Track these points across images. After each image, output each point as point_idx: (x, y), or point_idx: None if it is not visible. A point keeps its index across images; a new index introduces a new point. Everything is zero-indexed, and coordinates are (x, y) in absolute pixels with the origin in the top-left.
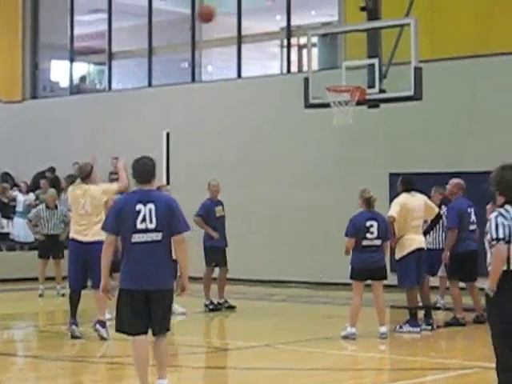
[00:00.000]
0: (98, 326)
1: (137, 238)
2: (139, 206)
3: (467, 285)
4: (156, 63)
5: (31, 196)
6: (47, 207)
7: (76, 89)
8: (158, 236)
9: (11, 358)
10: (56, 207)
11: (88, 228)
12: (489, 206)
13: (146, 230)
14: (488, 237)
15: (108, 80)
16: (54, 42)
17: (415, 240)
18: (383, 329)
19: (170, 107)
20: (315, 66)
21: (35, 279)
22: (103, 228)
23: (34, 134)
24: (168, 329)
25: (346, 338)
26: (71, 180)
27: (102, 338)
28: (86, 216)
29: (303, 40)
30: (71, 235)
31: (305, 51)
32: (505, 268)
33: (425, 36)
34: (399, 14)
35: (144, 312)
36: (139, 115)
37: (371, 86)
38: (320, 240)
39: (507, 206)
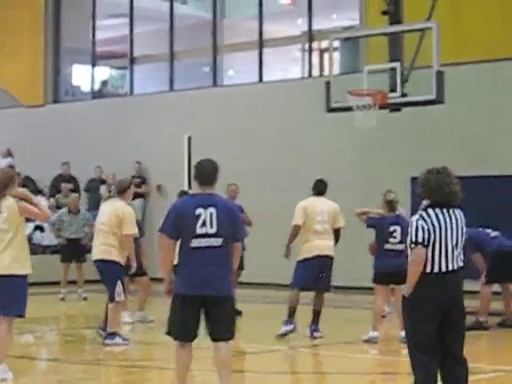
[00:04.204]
0: (107, 341)
1: (196, 242)
2: (199, 210)
3: (503, 286)
4: (177, 68)
5: (51, 201)
6: (69, 211)
7: (98, 93)
8: (217, 241)
9: (33, 361)
10: (78, 211)
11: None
12: None
13: (206, 235)
14: (408, 239)
15: (130, 84)
16: (75, 46)
17: None
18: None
19: (191, 112)
20: (337, 70)
21: (57, 283)
22: (161, 231)
23: (56, 138)
24: (230, 337)
25: (367, 341)
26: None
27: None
28: None
29: (324, 44)
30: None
31: (326, 55)
32: (423, 270)
33: (446, 39)
34: (421, 17)
35: (196, 319)
36: (161, 120)
37: (393, 89)
38: (341, 244)
39: (429, 210)
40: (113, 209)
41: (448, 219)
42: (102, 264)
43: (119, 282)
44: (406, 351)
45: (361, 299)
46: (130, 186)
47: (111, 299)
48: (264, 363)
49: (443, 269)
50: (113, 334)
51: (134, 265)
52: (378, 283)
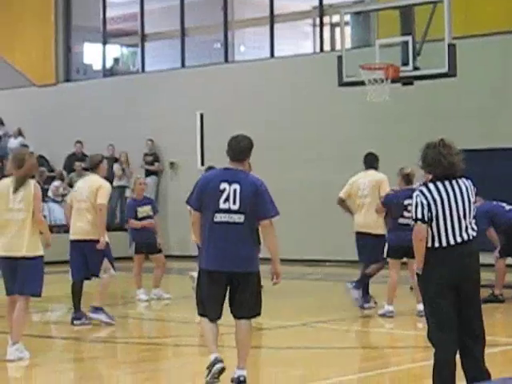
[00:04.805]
0: (92, 314)
1: (219, 217)
2: (224, 185)
3: None
4: (189, 44)
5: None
6: None
7: (109, 71)
8: (240, 218)
9: (49, 340)
10: None
11: None
12: None
13: (229, 211)
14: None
15: (141, 62)
16: (86, 24)
17: None
18: (421, 306)
19: (203, 88)
20: (348, 44)
21: None
22: (187, 202)
23: (68, 116)
24: (255, 314)
25: (383, 315)
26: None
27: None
28: None
29: (335, 18)
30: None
31: (337, 29)
32: (428, 245)
33: (458, 12)
34: None
35: (221, 296)
36: (172, 97)
37: (405, 63)
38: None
39: (430, 184)
40: (88, 184)
41: (451, 191)
42: (84, 244)
43: (105, 260)
44: (421, 325)
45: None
46: (102, 160)
47: (96, 275)
48: (279, 339)
49: (451, 242)
50: (98, 309)
51: (103, 240)
52: (391, 257)
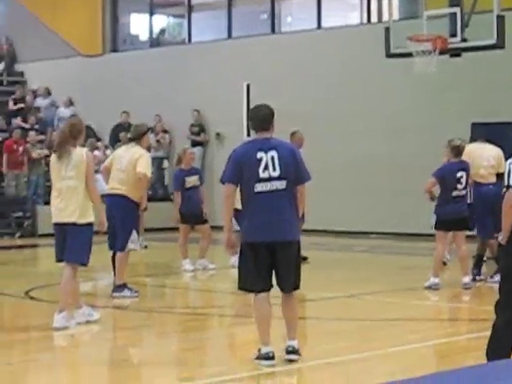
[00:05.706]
0: (115, 294)
1: (260, 187)
2: (260, 154)
3: None
4: (235, 15)
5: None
6: None
7: (156, 42)
8: (282, 184)
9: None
10: None
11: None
12: None
13: (270, 179)
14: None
15: (188, 32)
16: None
17: None
18: (466, 279)
19: (249, 59)
20: (395, 15)
21: None
22: (222, 181)
23: (114, 87)
24: (297, 286)
25: (429, 288)
26: None
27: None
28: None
29: None
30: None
31: (385, 1)
32: None
33: None
34: None
35: (268, 267)
36: (219, 67)
37: (453, 35)
38: (401, 190)
39: None
40: (129, 155)
41: None
42: (116, 208)
43: (134, 231)
44: (467, 298)
45: (421, 246)
46: (147, 131)
47: (122, 248)
48: (324, 310)
49: None
50: (121, 287)
51: (144, 203)
52: (440, 229)
